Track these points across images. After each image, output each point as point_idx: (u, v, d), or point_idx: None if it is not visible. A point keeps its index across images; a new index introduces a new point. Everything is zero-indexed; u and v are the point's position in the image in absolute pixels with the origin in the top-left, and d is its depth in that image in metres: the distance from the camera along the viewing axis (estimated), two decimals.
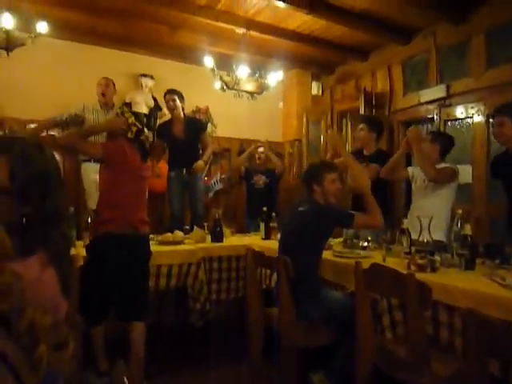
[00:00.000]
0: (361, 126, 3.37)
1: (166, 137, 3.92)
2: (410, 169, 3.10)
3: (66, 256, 1.01)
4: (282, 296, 2.10)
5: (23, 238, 0.90)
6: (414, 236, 2.32)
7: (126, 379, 0.72)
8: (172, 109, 3.92)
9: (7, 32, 3.25)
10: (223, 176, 5.10)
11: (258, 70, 4.15)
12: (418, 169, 2.96)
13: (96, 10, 3.81)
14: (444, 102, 3.96)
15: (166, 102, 3.88)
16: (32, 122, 4.10)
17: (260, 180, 4.39)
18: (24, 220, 0.92)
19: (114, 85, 4.03)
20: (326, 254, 2.38)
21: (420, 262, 1.95)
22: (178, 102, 3.90)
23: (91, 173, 3.72)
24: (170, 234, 2.98)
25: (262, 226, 3.31)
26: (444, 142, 2.94)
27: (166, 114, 4.22)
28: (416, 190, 3.00)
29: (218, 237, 3.05)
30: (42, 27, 3.35)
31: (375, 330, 1.81)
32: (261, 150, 4.47)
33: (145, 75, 4.63)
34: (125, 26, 4.20)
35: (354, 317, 1.75)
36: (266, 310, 2.38)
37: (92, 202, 3.69)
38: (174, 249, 2.72)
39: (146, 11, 3.87)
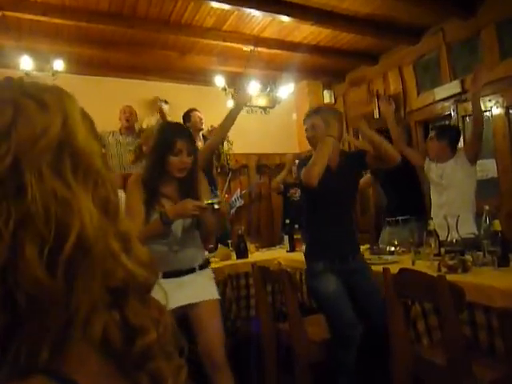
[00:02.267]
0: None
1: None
2: (426, 160, 3.01)
3: None
4: (290, 310, 2.08)
5: None
6: (442, 236, 2.27)
7: None
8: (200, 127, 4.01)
9: (27, 73, 3.41)
10: (244, 191, 5.13)
11: (269, 84, 4.19)
12: (433, 163, 2.91)
13: (107, 43, 3.95)
14: (460, 98, 3.89)
15: (194, 121, 3.97)
16: None
17: (296, 193, 4.39)
18: None
19: (135, 112, 4.19)
20: None
21: (451, 262, 1.90)
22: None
23: None
24: None
25: (287, 238, 3.30)
26: (450, 135, 2.90)
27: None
28: (433, 186, 2.93)
29: (242, 253, 3.05)
30: (59, 65, 3.50)
31: (410, 338, 1.76)
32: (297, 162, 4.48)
33: (159, 100, 4.75)
34: (136, 56, 4.33)
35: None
36: (279, 324, 2.34)
37: None
38: None
39: (156, 39, 3.99)
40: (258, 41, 4.09)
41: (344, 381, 2.04)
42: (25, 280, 0.34)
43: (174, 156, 1.81)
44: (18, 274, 0.34)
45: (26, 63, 3.35)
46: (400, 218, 3.08)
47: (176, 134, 1.87)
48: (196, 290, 1.88)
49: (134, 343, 0.40)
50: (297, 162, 4.42)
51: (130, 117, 4.06)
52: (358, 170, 2.33)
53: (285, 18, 3.63)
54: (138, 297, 0.42)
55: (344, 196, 2.22)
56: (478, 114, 2.85)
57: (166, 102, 4.75)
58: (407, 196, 3.08)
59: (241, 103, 2.46)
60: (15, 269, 0.34)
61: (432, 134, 3.00)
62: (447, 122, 4.18)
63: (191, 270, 1.91)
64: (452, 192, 2.78)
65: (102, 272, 0.38)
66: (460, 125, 3.90)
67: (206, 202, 1.77)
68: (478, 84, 2.76)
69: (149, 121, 4.47)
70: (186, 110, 4.04)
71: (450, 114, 3.99)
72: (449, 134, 2.93)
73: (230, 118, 2.36)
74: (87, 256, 0.37)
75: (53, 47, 3.74)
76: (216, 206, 1.77)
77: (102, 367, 0.39)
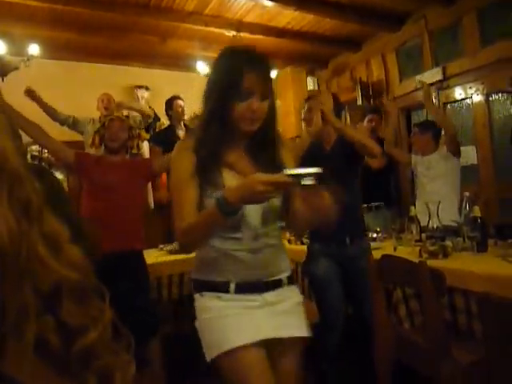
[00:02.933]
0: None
1: (170, 143, 3.90)
2: (412, 155, 3.10)
3: None
4: None
5: None
6: (424, 223, 2.30)
7: None
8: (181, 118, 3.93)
9: (0, 58, 3.28)
10: None
11: None
12: (419, 157, 2.99)
13: (85, 27, 3.82)
14: (441, 85, 3.93)
15: (176, 110, 3.89)
16: (33, 144, 4.13)
17: None
18: None
19: (114, 100, 4.08)
20: None
21: (431, 248, 1.93)
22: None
23: None
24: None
25: None
26: (432, 128, 2.99)
27: (164, 124, 4.22)
28: (419, 177, 3.01)
29: None
30: (34, 49, 3.39)
31: (392, 322, 1.79)
32: None
33: (140, 87, 4.65)
34: (115, 40, 4.21)
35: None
36: None
37: None
38: (184, 257, 2.71)
39: (136, 23, 3.88)
40: (241, 26, 4.03)
41: (325, 365, 2.08)
42: None
43: (242, 101, 1.16)
44: None
45: None
46: (373, 204, 3.13)
47: (245, 63, 1.19)
48: (286, 317, 1.24)
49: (73, 344, 0.39)
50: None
51: (108, 105, 3.95)
52: (351, 153, 2.04)
53: (267, 3, 3.58)
54: (74, 298, 0.40)
55: (339, 176, 1.87)
56: (441, 121, 3.00)
57: (147, 89, 4.66)
58: (377, 183, 3.14)
59: None
60: None
61: (415, 129, 3.10)
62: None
63: (277, 284, 1.26)
64: (438, 182, 2.86)
65: (29, 278, 0.36)
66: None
67: (287, 172, 1.04)
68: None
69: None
70: (168, 97, 3.96)
71: (432, 101, 4.03)
72: (431, 127, 3.00)
73: None
74: (8, 263, 0.35)
75: (27, 31, 3.60)
76: (308, 182, 1.03)
77: (42, 369, 0.38)
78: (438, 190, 2.80)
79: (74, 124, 3.87)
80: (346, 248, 2.06)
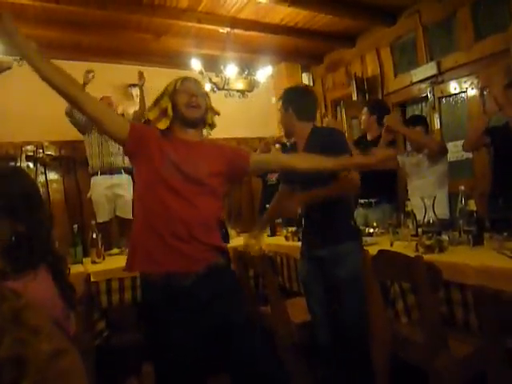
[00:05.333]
0: (363, 110, 3.38)
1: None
2: (398, 157, 3.13)
3: (63, 269, 1.07)
4: (270, 294, 2.10)
5: (16, 257, 0.96)
6: (419, 217, 2.31)
7: None
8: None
9: None
10: None
11: (247, 67, 4.13)
12: (404, 156, 3.02)
13: (78, 25, 3.80)
14: (436, 80, 3.93)
15: None
16: (28, 143, 4.11)
17: (273, 177, 4.39)
18: (14, 239, 0.98)
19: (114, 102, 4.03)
20: None
21: (428, 243, 1.93)
22: None
23: (99, 186, 3.73)
24: None
25: None
26: (422, 122, 3.05)
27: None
28: (410, 174, 3.04)
29: (223, 238, 3.04)
30: None
31: (389, 317, 1.80)
32: (277, 146, 4.50)
33: (134, 85, 4.62)
34: (108, 38, 4.19)
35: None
36: (261, 308, 2.35)
37: (100, 216, 3.70)
38: None
39: (129, 21, 3.86)
40: (235, 22, 4.01)
41: (321, 370, 2.09)
42: None
43: None
44: None
45: None
46: (372, 200, 3.13)
47: None
48: None
49: None
50: (277, 146, 4.43)
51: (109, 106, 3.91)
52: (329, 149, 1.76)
53: None
54: None
55: (311, 179, 1.86)
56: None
57: None
58: (380, 179, 3.15)
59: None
60: None
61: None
62: (424, 104, 4.23)
63: None
64: (426, 179, 2.89)
65: None
66: (436, 106, 3.96)
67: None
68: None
69: (125, 107, 4.36)
70: None
71: (427, 95, 4.04)
72: (420, 121, 3.05)
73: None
74: None
75: (20, 30, 3.57)
76: None
77: None
78: (428, 183, 2.84)
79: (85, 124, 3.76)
80: (317, 250, 1.96)
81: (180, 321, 1.43)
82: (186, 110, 1.56)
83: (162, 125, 1.57)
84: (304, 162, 1.77)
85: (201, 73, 3.94)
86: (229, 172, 1.62)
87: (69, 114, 3.61)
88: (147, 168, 1.51)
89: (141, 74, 3.83)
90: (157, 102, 1.61)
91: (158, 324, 1.48)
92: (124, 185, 3.84)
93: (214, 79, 4.05)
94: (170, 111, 1.57)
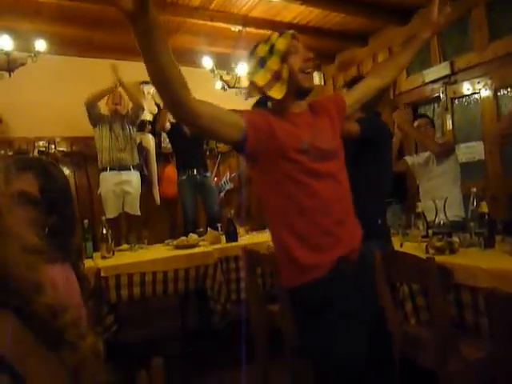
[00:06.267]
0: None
1: (178, 134, 3.94)
2: (407, 158, 3.10)
3: (80, 263, 1.10)
4: (279, 293, 2.07)
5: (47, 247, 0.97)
6: (430, 218, 2.29)
7: None
8: None
9: (7, 54, 3.30)
10: (233, 175, 5.10)
11: None
12: (414, 156, 2.99)
13: (90, 22, 3.82)
14: (449, 80, 3.89)
15: None
16: (40, 139, 4.16)
17: None
18: (47, 230, 1.01)
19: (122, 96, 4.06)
20: None
21: (438, 244, 1.91)
22: None
23: (108, 181, 3.76)
24: (184, 237, 2.99)
25: None
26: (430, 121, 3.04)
27: (169, 120, 4.23)
28: (419, 176, 3.01)
29: (232, 236, 3.05)
30: (41, 45, 3.39)
31: (398, 318, 1.79)
32: None
33: (146, 82, 4.64)
34: (120, 36, 4.19)
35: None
36: (268, 306, 2.34)
37: (109, 212, 3.73)
38: (189, 252, 2.73)
39: None
40: (247, 21, 4.01)
41: None
42: None
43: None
44: None
45: (5, 43, 3.23)
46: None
47: None
48: None
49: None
50: None
51: (119, 100, 3.94)
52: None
53: None
54: None
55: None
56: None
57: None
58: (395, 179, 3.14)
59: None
60: None
61: (421, 121, 3.11)
62: (436, 105, 4.18)
63: None
64: (438, 179, 2.87)
65: None
66: (448, 106, 3.91)
67: None
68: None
69: None
70: None
71: (439, 96, 3.99)
72: (424, 115, 3.06)
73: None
74: None
75: (34, 26, 3.61)
76: None
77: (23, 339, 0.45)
78: (440, 184, 2.82)
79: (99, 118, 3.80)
80: None
81: (353, 307, 1.28)
82: (303, 76, 1.29)
83: (277, 93, 1.27)
84: (382, 73, 1.60)
85: (212, 71, 3.94)
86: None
87: (89, 106, 3.64)
88: (277, 161, 1.26)
89: (113, 67, 3.78)
90: (262, 62, 1.29)
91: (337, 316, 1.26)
92: (133, 182, 3.87)
93: (225, 77, 4.05)
94: (285, 74, 1.26)
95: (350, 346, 1.25)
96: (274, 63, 1.26)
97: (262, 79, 1.27)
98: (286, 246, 1.28)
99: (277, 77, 1.26)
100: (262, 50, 1.31)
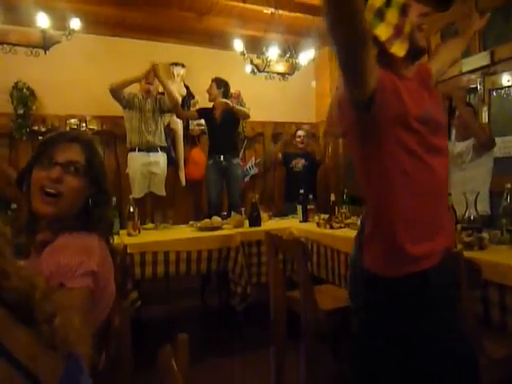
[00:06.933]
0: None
1: (207, 120, 3.99)
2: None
3: (111, 235, 1.15)
4: (301, 279, 2.07)
5: (89, 216, 1.06)
6: (459, 212, 2.22)
7: (174, 362, 0.74)
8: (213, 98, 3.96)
9: (43, 31, 3.36)
10: (258, 160, 5.09)
11: (289, 50, 4.06)
12: (452, 144, 2.90)
13: (124, 2, 3.84)
14: (488, 70, 3.72)
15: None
16: (72, 117, 4.25)
17: (299, 163, 4.50)
18: (90, 200, 1.07)
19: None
20: None
21: (467, 239, 1.86)
22: (214, 89, 3.93)
23: (136, 162, 3.83)
24: (208, 220, 3.02)
25: (300, 208, 3.29)
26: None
27: (198, 102, 4.25)
28: (453, 164, 2.91)
29: (255, 221, 3.06)
30: (75, 24, 3.43)
31: None
32: (299, 133, 4.60)
33: (176, 64, 4.65)
34: (152, 16, 4.22)
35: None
36: (288, 292, 2.35)
37: (135, 191, 3.80)
38: (213, 234, 2.76)
39: None
40: (279, 3, 3.94)
41: (345, 364, 2.07)
42: None
43: None
44: None
45: (42, 20, 3.29)
46: None
47: None
48: None
49: None
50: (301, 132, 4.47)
51: (152, 80, 3.96)
52: None
53: None
54: None
55: None
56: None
57: (183, 66, 4.66)
58: None
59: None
60: None
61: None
62: (472, 96, 4.03)
63: None
64: (470, 171, 2.77)
65: None
66: (485, 98, 3.76)
67: None
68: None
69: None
70: (224, 80, 3.99)
71: (477, 86, 3.84)
72: (469, 104, 2.93)
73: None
74: None
75: (69, 5, 3.66)
76: None
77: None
78: (472, 176, 2.73)
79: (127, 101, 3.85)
80: None
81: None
82: (420, 35, 1.16)
83: (400, 50, 1.11)
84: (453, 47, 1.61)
85: (242, 54, 3.91)
86: None
87: (113, 92, 3.70)
88: (393, 130, 1.07)
89: (156, 68, 3.79)
90: (380, 13, 1.10)
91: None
92: (160, 163, 3.92)
93: (255, 61, 4.01)
94: (407, 29, 1.11)
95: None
96: (392, 16, 1.11)
97: (385, 33, 1.11)
98: (391, 230, 1.12)
99: (398, 32, 1.11)
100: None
